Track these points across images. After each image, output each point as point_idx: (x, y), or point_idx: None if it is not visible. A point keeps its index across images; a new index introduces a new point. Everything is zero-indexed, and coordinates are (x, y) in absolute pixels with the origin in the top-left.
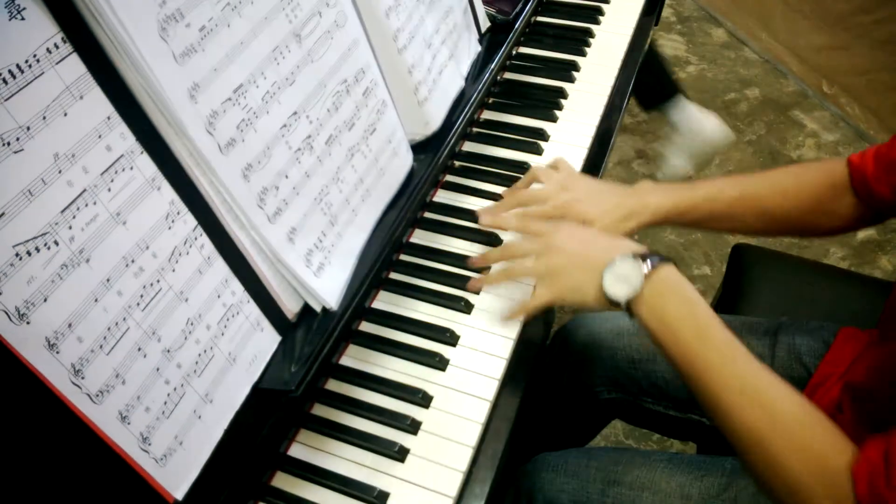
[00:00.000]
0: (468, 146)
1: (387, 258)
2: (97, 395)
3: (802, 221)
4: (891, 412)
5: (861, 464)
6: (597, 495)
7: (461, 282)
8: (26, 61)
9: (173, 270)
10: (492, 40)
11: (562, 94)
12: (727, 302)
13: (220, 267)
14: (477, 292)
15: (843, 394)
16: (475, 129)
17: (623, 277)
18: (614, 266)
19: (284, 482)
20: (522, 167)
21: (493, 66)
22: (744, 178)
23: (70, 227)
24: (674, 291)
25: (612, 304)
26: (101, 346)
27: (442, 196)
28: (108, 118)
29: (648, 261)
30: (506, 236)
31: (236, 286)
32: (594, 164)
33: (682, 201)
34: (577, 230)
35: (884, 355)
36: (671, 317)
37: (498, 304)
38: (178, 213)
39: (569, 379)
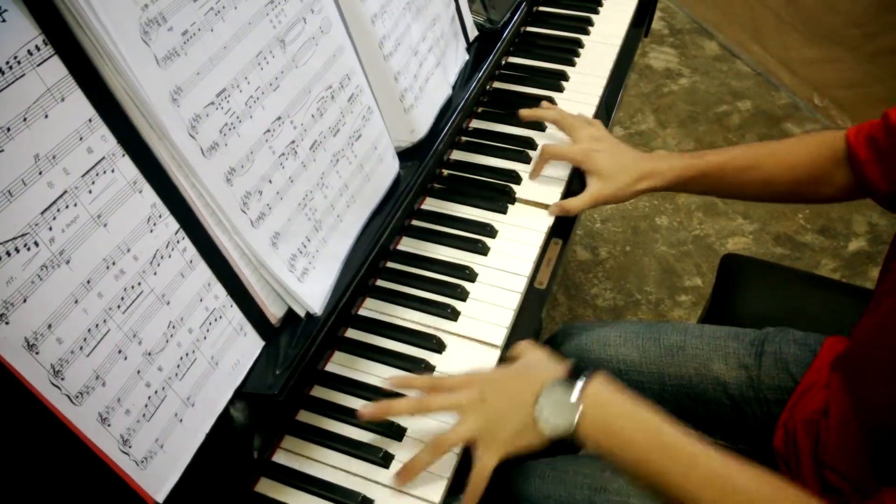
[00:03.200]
0: (456, 154)
1: (372, 264)
2: (77, 397)
3: (804, 191)
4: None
5: None
6: (584, 502)
7: (448, 289)
8: (7, 63)
9: (155, 273)
10: (480, 49)
11: (551, 103)
12: (717, 312)
13: (203, 270)
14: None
15: (829, 396)
16: (464, 138)
17: (556, 407)
18: (544, 398)
19: (269, 488)
20: (511, 176)
21: (480, 75)
22: (749, 150)
23: (50, 229)
24: (613, 405)
25: (556, 438)
26: (80, 348)
27: (430, 204)
28: (90, 120)
29: (578, 382)
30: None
31: (219, 290)
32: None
33: (689, 169)
34: (495, 373)
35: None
36: (623, 434)
37: (485, 313)
38: (160, 216)
39: None
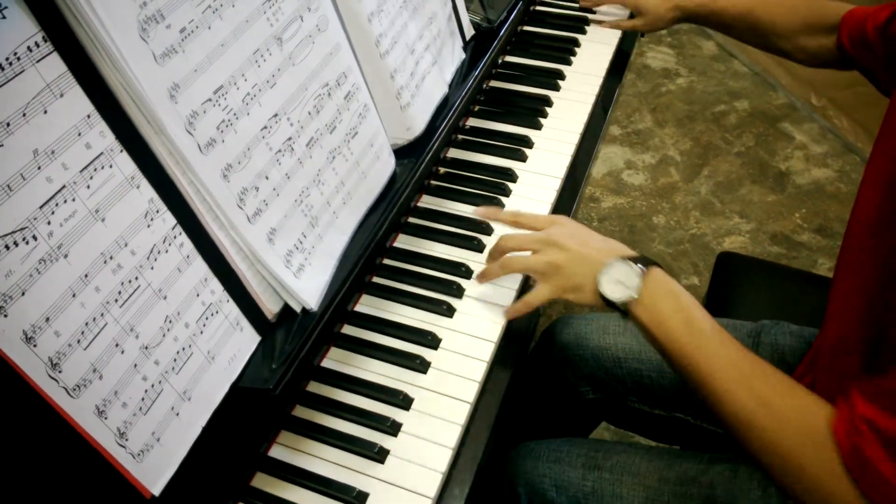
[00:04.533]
0: (453, 153)
1: (368, 261)
2: (74, 389)
3: (783, 47)
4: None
5: (839, 423)
6: (577, 480)
7: (444, 286)
8: (7, 59)
9: (152, 268)
10: (476, 48)
11: (547, 102)
12: (712, 310)
13: (200, 266)
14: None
15: (816, 378)
16: (460, 136)
17: (619, 280)
18: (610, 269)
19: (264, 483)
20: (507, 173)
21: (477, 73)
22: (752, 2)
23: (49, 223)
24: (665, 290)
25: (608, 305)
26: (78, 341)
27: (426, 201)
28: (88, 116)
29: (640, 265)
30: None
31: (215, 285)
32: (578, 171)
33: (702, 8)
34: (574, 228)
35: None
36: (665, 314)
37: (481, 309)
38: (158, 212)
39: (555, 379)
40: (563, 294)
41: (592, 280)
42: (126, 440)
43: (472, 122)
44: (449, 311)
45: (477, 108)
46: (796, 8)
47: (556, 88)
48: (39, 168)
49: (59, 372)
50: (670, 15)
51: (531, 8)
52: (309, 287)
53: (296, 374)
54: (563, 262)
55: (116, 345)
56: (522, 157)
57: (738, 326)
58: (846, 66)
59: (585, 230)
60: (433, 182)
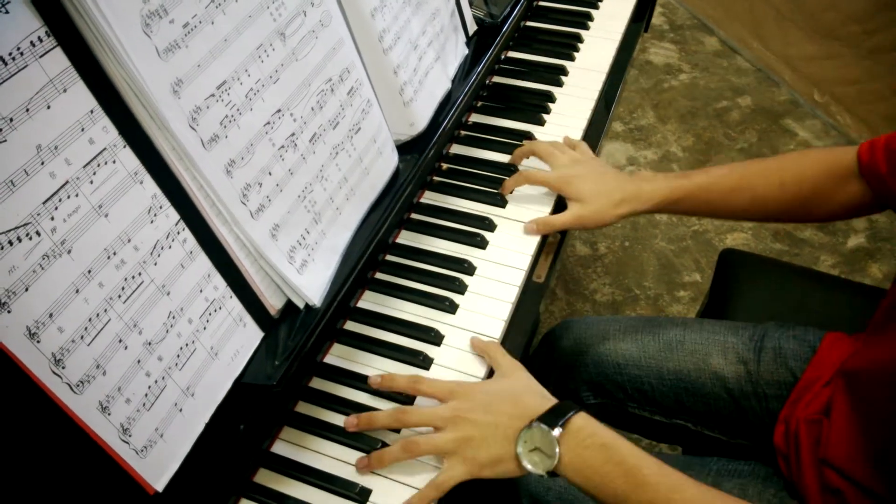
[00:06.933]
0: (456, 148)
1: (371, 257)
2: (77, 385)
3: (799, 210)
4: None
5: None
6: (583, 495)
7: (447, 282)
8: (10, 54)
9: (155, 264)
10: (480, 43)
11: (550, 97)
12: (715, 308)
13: (203, 262)
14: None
15: (832, 397)
16: (463, 132)
17: (537, 448)
18: (527, 437)
19: (267, 479)
20: (510, 169)
21: (480, 69)
22: (740, 168)
23: (52, 218)
24: (589, 444)
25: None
26: (81, 337)
27: (429, 197)
28: (92, 112)
29: (558, 426)
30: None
31: (219, 281)
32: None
33: (676, 190)
34: (480, 396)
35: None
36: (595, 470)
37: (484, 306)
38: (161, 207)
39: (555, 384)
40: (480, 471)
41: (511, 450)
42: (129, 436)
43: (475, 117)
44: (452, 308)
45: (480, 103)
46: (807, 162)
47: (560, 84)
48: (42, 163)
49: (63, 368)
50: (619, 211)
51: (534, 3)
52: (312, 283)
53: (299, 370)
54: (473, 435)
55: (120, 341)
56: None
57: (740, 330)
58: (879, 207)
59: (491, 395)
60: (436, 178)
